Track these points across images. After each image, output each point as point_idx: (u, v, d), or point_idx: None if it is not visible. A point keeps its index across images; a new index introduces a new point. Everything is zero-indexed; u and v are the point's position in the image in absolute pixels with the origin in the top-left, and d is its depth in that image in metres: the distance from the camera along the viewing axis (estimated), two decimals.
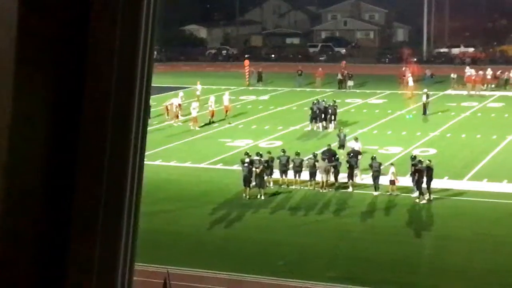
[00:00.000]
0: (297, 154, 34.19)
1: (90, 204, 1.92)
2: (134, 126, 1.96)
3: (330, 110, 46.91)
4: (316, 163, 33.30)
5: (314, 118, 46.77)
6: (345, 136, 39.69)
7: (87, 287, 1.94)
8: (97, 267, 1.95)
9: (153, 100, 51.52)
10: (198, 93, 55.65)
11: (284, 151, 34.50)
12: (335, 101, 49.04)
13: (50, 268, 1.92)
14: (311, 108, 47.23)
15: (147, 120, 2.03)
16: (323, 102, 48.12)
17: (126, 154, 1.95)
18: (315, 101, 48.57)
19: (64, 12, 1.86)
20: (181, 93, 52.91)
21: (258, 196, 32.10)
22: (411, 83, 58.52)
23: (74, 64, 1.87)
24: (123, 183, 1.96)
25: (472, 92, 59.24)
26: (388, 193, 31.93)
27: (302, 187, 33.42)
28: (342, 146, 38.40)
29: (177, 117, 49.55)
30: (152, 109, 50.72)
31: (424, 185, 31.12)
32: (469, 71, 62.57)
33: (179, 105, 50.27)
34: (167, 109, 51.22)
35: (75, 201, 1.91)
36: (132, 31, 1.91)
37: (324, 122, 46.71)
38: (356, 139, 37.10)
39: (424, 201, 30.91)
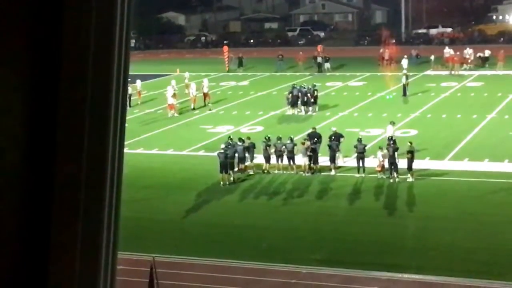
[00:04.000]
0: (279, 138, 34.15)
1: (71, 194, 1.91)
2: (112, 115, 1.95)
3: (309, 94, 46.85)
4: (295, 146, 33.32)
5: (294, 102, 46.78)
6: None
7: (70, 276, 1.94)
8: (79, 255, 1.95)
9: (133, 88, 51.47)
10: (186, 81, 54.73)
11: (267, 138, 34.29)
12: (314, 85, 49.02)
13: (31, 256, 1.92)
14: (291, 92, 47.24)
15: (125, 110, 2.02)
16: (303, 86, 48.16)
17: (105, 143, 1.95)
18: (294, 86, 48.65)
19: (38, 1, 1.85)
20: (173, 81, 51.91)
21: (227, 183, 31.95)
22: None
23: (50, 54, 1.86)
24: (103, 172, 1.95)
25: (453, 72, 59.44)
26: (379, 176, 31.87)
27: (284, 172, 33.45)
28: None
29: (170, 106, 48.90)
30: (132, 98, 50.73)
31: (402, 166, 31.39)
32: (448, 51, 62.78)
33: (174, 94, 49.42)
34: (139, 95, 51.93)
35: (55, 191, 1.90)
36: (108, 18, 1.90)
37: (305, 106, 46.71)
38: (393, 123, 36.51)
39: (391, 180, 31.30)
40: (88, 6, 1.86)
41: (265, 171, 33.57)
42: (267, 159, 33.68)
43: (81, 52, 1.87)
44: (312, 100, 46.76)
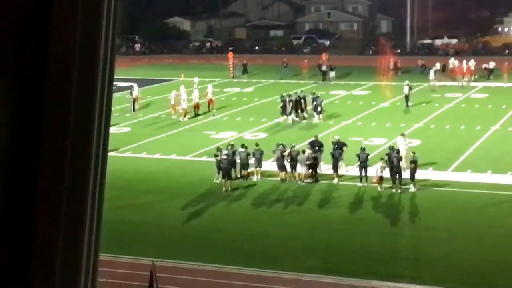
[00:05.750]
0: (279, 145, 34.08)
1: (53, 196, 1.90)
2: (96, 118, 1.94)
3: (315, 102, 46.60)
4: (297, 155, 33.23)
5: (287, 110, 46.51)
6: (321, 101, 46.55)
7: (52, 276, 1.92)
8: (60, 256, 1.93)
9: (139, 92, 51.74)
10: (195, 86, 54.03)
11: (279, 145, 34.09)
12: (314, 92, 48.89)
13: (13, 257, 1.90)
14: (290, 101, 46.81)
15: (110, 115, 2.01)
16: (297, 94, 47.95)
17: (89, 147, 1.93)
18: (284, 94, 48.01)
19: (25, 6, 1.83)
20: (182, 86, 51.49)
21: (230, 189, 31.90)
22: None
23: (35, 61, 1.84)
24: (86, 175, 1.94)
25: (460, 83, 59.43)
26: (379, 188, 31.71)
27: (287, 179, 33.37)
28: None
29: (183, 110, 48.65)
30: (130, 103, 50.88)
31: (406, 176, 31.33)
32: (454, 62, 62.79)
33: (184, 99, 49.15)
34: (135, 100, 51.66)
35: (38, 193, 1.88)
36: (93, 25, 1.89)
37: (299, 112, 46.51)
38: (403, 135, 36.33)
39: (394, 190, 31.25)
40: (75, 9, 1.84)
41: (284, 180, 33.34)
42: (282, 167, 33.45)
43: (67, 55, 1.86)
44: (319, 108, 46.53)
